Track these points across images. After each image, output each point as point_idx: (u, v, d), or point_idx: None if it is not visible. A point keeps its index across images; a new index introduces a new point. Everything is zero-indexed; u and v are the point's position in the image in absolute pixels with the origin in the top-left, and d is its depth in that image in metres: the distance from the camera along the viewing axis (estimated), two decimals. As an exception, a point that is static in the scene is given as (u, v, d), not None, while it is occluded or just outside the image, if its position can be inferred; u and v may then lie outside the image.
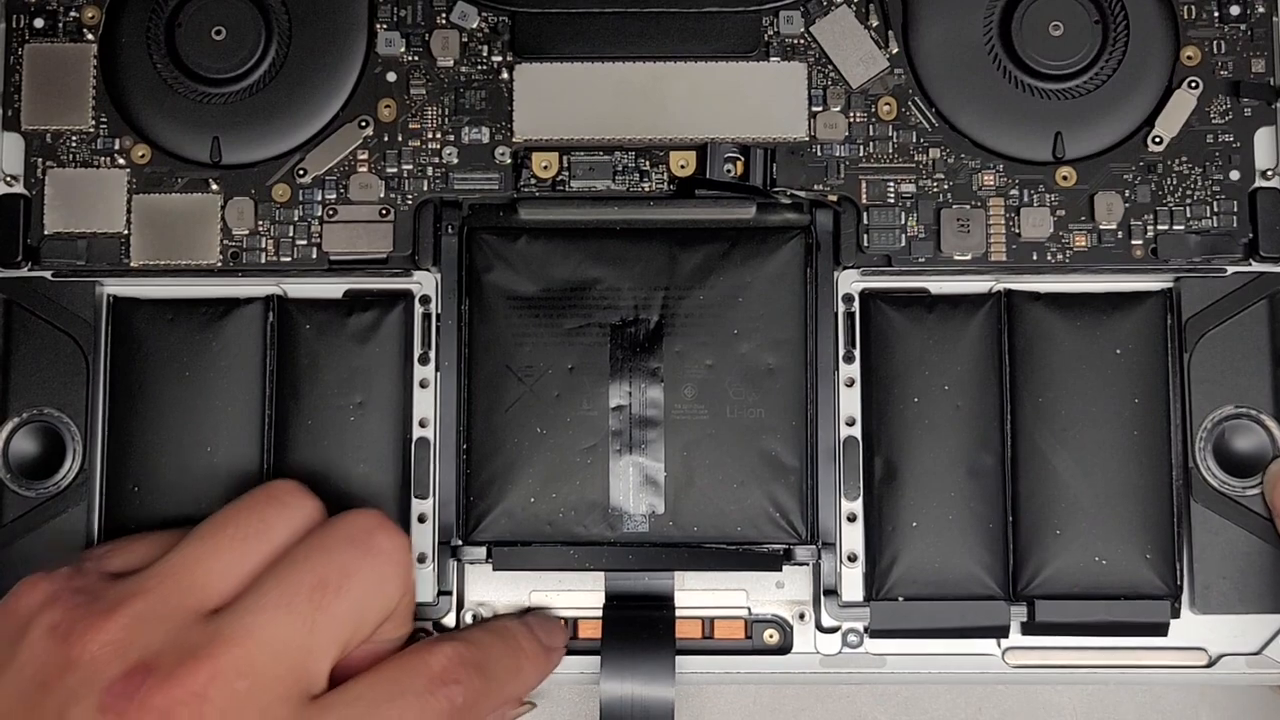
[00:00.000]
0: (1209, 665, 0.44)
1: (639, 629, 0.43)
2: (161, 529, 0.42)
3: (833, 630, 0.44)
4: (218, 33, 0.45)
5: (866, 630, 0.44)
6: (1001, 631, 0.44)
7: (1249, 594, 0.43)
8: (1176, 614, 0.43)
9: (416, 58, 0.46)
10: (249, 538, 0.38)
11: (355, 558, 0.38)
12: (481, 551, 0.44)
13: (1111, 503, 0.43)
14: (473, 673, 0.39)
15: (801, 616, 0.44)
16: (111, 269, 0.45)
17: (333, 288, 0.45)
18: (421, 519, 0.44)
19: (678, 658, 0.43)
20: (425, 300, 0.45)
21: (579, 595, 0.45)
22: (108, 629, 0.35)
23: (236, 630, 0.36)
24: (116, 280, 0.45)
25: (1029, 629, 0.44)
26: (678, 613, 0.45)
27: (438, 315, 0.44)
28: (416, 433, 0.44)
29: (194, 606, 0.36)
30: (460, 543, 0.44)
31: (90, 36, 0.46)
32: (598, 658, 0.43)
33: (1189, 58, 0.45)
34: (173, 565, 0.37)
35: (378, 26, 0.46)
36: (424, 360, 0.44)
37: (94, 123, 0.45)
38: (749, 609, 0.45)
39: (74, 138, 0.45)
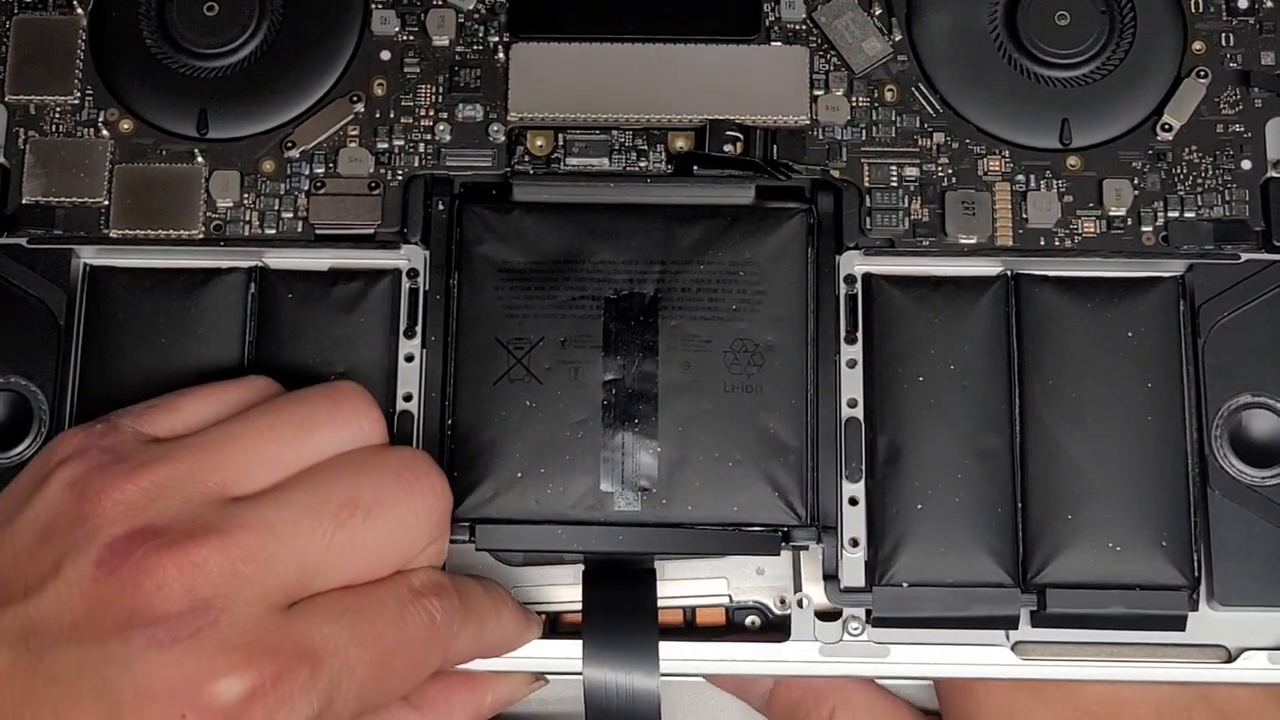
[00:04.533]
0: (1229, 661, 0.44)
1: (620, 608, 0.43)
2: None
3: (833, 617, 0.45)
4: (210, 8, 0.48)
5: (868, 617, 0.44)
6: (1010, 622, 0.45)
7: (1271, 587, 0.44)
8: (1194, 606, 0.45)
9: (411, 37, 0.49)
10: (292, 432, 0.40)
11: (395, 490, 0.40)
12: (464, 530, 0.44)
13: (1125, 488, 0.45)
14: (452, 596, 0.41)
15: (800, 603, 0.45)
16: (89, 238, 0.47)
17: (317, 263, 0.47)
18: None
19: (665, 645, 0.44)
20: (413, 274, 0.46)
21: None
22: (124, 489, 0.37)
23: (254, 520, 0.38)
24: (94, 249, 0.47)
25: (1039, 621, 0.45)
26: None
27: (425, 290, 0.46)
28: (400, 406, 0.46)
29: (217, 488, 0.38)
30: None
31: (80, 10, 0.48)
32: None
33: (1197, 49, 0.48)
34: (208, 441, 0.39)
35: (372, 6, 0.49)
36: (410, 334, 0.47)
37: (79, 95, 0.48)
38: (730, 596, 0.47)
39: (58, 109, 0.48)
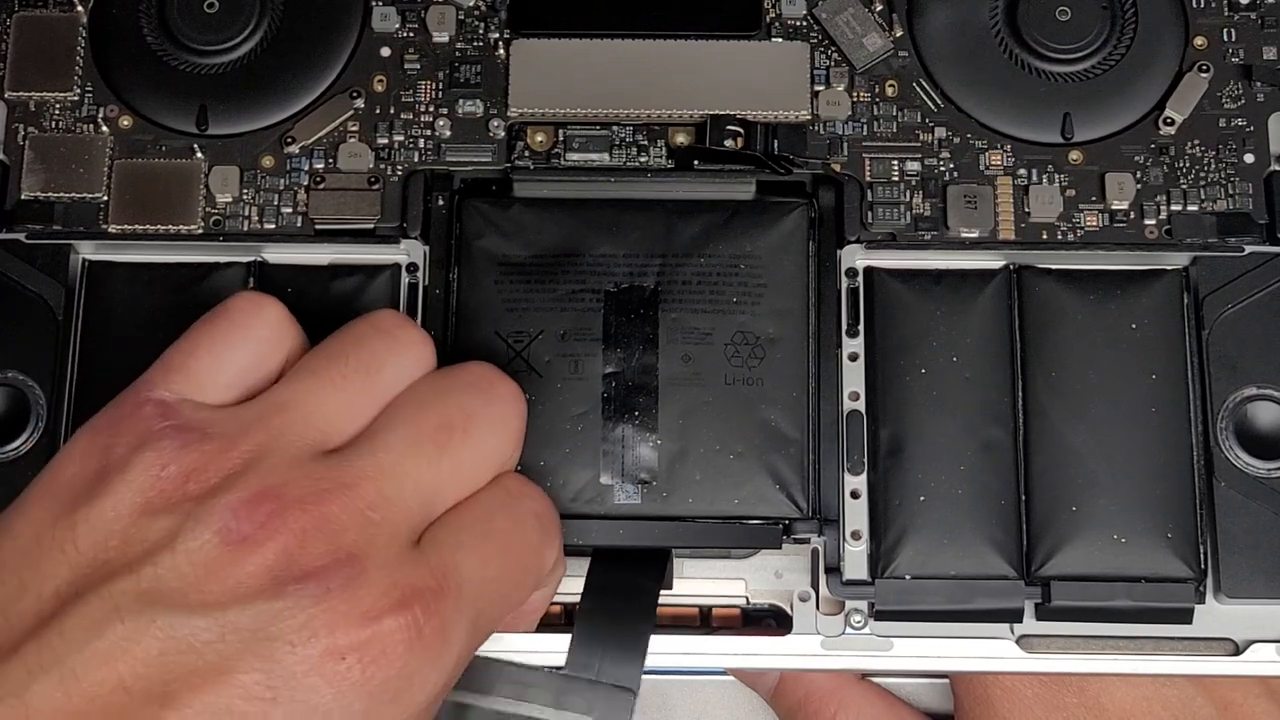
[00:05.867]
0: (1236, 654, 0.44)
1: (620, 589, 0.44)
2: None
3: (835, 611, 0.45)
4: (210, 6, 0.48)
5: (871, 611, 0.45)
6: (1015, 616, 0.45)
7: (1278, 579, 0.45)
8: (1201, 599, 0.45)
9: (412, 33, 0.49)
10: (363, 375, 0.40)
11: (478, 402, 0.41)
12: (463, 524, 0.45)
13: (1130, 480, 0.46)
14: (541, 493, 0.43)
15: (802, 598, 0.45)
16: (88, 233, 0.47)
17: (317, 258, 0.47)
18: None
19: (663, 639, 0.44)
20: (412, 269, 0.47)
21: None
22: (223, 461, 0.37)
23: (367, 466, 0.38)
24: (93, 244, 0.47)
25: (1044, 614, 0.45)
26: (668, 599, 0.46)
27: (425, 285, 0.46)
28: (399, 401, 0.46)
29: (313, 444, 0.38)
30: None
31: (80, 7, 0.49)
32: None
33: (1199, 44, 0.49)
34: (284, 400, 0.39)
35: (373, 3, 0.49)
36: (410, 328, 0.46)
37: (79, 91, 0.49)
38: (747, 598, 0.47)
39: (58, 106, 0.49)
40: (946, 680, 0.51)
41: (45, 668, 0.34)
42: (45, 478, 0.38)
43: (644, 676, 0.43)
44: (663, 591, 0.47)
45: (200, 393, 0.39)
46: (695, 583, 0.48)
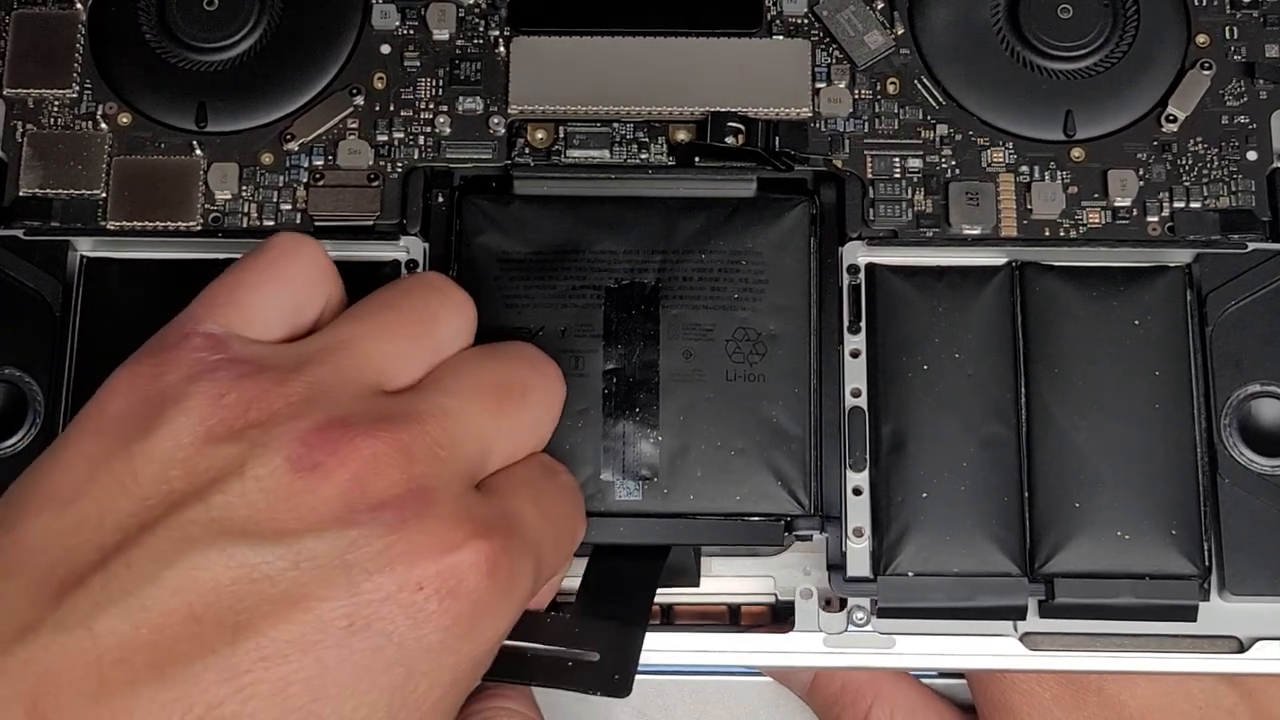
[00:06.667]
0: (1241, 651, 0.44)
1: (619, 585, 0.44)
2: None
3: (837, 607, 0.45)
4: (210, 3, 0.49)
5: (874, 608, 0.45)
6: (1018, 613, 0.45)
7: (1284, 576, 0.45)
8: (1205, 596, 0.45)
9: (412, 31, 0.49)
10: (418, 325, 0.40)
11: (532, 374, 0.42)
12: (463, 521, 0.45)
13: (1133, 477, 0.46)
14: (566, 470, 0.44)
15: (804, 593, 0.45)
16: (86, 229, 0.47)
17: (315, 255, 0.47)
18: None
19: (664, 637, 0.44)
20: (412, 266, 0.47)
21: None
22: (286, 391, 0.37)
23: (433, 407, 0.38)
24: (91, 241, 0.47)
25: (1047, 611, 0.45)
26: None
27: None
28: (398, 397, 0.46)
29: (373, 383, 0.38)
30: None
31: (79, 4, 0.49)
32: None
33: (1201, 42, 0.49)
34: (340, 339, 0.39)
35: (373, 1, 0.49)
36: (409, 325, 0.46)
37: (78, 88, 0.49)
38: (776, 595, 0.48)
39: (56, 103, 0.49)
40: (963, 681, 0.51)
41: (114, 599, 0.33)
42: (90, 412, 0.38)
43: (645, 677, 0.43)
44: (690, 590, 0.47)
45: (248, 327, 0.39)
46: (722, 581, 0.48)
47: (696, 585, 0.47)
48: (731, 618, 0.48)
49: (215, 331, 0.39)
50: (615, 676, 0.42)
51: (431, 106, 0.49)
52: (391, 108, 0.49)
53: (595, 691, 0.42)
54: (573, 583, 0.45)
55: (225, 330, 0.39)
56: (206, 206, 0.48)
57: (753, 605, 0.48)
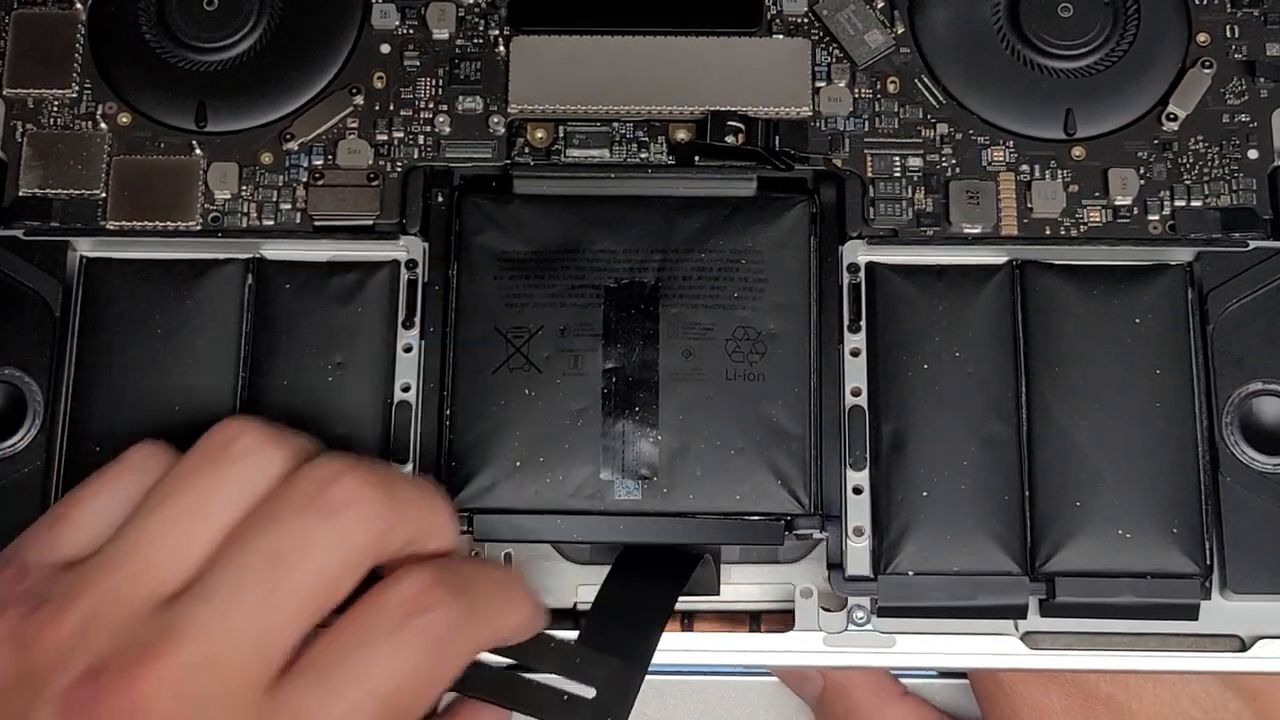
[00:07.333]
0: (1242, 650, 0.44)
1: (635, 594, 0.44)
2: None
3: (837, 607, 0.45)
4: (210, 3, 0.49)
5: (874, 607, 0.45)
6: (1019, 612, 0.45)
7: (1286, 575, 0.45)
8: (1207, 595, 0.45)
9: (411, 30, 0.49)
10: (195, 511, 0.38)
11: (310, 524, 0.38)
12: (463, 520, 0.45)
13: (1134, 475, 0.46)
14: (451, 595, 0.39)
15: (804, 593, 0.45)
16: (85, 229, 0.47)
17: (315, 254, 0.48)
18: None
19: (663, 637, 0.44)
20: (412, 265, 0.47)
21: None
22: (57, 633, 0.37)
23: (191, 622, 0.36)
24: (91, 241, 0.47)
25: (1048, 610, 0.45)
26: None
27: (424, 281, 0.46)
28: (398, 396, 0.46)
29: (147, 596, 0.37)
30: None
31: (79, 4, 0.49)
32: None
33: (1202, 40, 0.49)
34: (120, 552, 0.38)
35: (373, 0, 0.49)
36: (408, 325, 0.47)
37: (77, 88, 0.49)
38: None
39: (56, 103, 0.49)
40: (964, 682, 0.51)
41: None
42: None
43: (645, 677, 0.43)
44: (710, 597, 0.47)
45: (68, 549, 0.39)
46: (741, 588, 0.48)
47: (716, 594, 0.47)
48: (752, 625, 0.48)
49: (27, 559, 0.39)
50: None
51: (431, 106, 0.49)
52: (391, 107, 0.49)
53: None
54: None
55: (39, 557, 0.39)
56: (206, 206, 0.48)
57: (774, 611, 0.47)
